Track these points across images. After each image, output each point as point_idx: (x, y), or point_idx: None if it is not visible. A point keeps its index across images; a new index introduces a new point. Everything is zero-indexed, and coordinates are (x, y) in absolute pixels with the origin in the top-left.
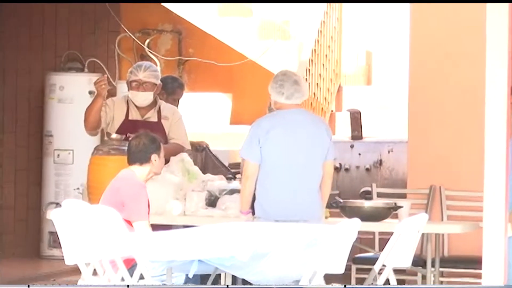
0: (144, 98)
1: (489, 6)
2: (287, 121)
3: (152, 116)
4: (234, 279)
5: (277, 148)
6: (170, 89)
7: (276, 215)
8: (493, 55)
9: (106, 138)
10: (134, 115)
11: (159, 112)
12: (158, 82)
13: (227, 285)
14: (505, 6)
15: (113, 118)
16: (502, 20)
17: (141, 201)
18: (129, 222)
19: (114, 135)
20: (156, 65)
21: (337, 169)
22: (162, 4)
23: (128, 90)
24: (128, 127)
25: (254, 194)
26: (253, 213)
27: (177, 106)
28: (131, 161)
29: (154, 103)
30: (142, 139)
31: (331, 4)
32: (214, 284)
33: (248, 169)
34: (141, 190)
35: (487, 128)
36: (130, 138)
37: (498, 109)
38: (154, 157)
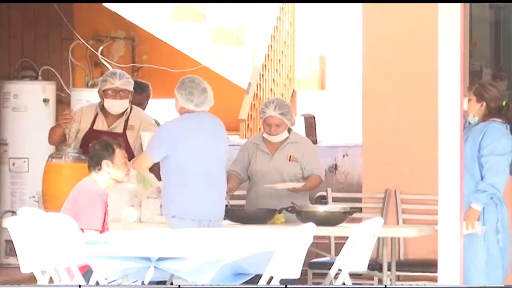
0: (121, 106)
1: (441, 7)
2: (196, 124)
3: (118, 126)
4: None
5: (189, 150)
6: None
7: (192, 214)
8: (446, 57)
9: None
10: (100, 125)
11: (126, 121)
12: (131, 89)
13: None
14: (457, 6)
15: (79, 130)
16: (454, 22)
17: (94, 209)
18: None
19: (70, 150)
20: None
21: None
22: (115, 11)
23: (101, 99)
24: (91, 137)
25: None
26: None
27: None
28: (88, 168)
29: (123, 112)
30: (96, 145)
31: (284, 9)
32: None
33: (146, 163)
34: (96, 198)
35: (440, 131)
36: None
37: (452, 112)
38: (105, 163)
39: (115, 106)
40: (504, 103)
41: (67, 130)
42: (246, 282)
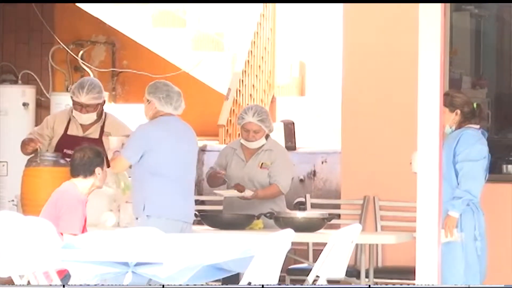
0: (86, 118)
1: (422, 13)
2: (170, 127)
3: (93, 132)
4: None
5: (164, 152)
6: None
7: (168, 214)
8: (426, 64)
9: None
10: (75, 131)
11: (102, 127)
12: (101, 100)
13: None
14: (438, 13)
15: (53, 136)
16: (434, 29)
17: (74, 214)
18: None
19: (48, 154)
20: (89, 76)
21: None
22: (96, 15)
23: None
24: (66, 142)
25: None
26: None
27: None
28: (74, 174)
29: (98, 119)
30: (87, 153)
31: (265, 15)
32: None
33: (122, 165)
34: (77, 203)
35: (419, 138)
36: (74, 151)
37: (430, 119)
38: (98, 170)
39: (81, 118)
40: (475, 105)
41: (40, 143)
42: (227, 279)
